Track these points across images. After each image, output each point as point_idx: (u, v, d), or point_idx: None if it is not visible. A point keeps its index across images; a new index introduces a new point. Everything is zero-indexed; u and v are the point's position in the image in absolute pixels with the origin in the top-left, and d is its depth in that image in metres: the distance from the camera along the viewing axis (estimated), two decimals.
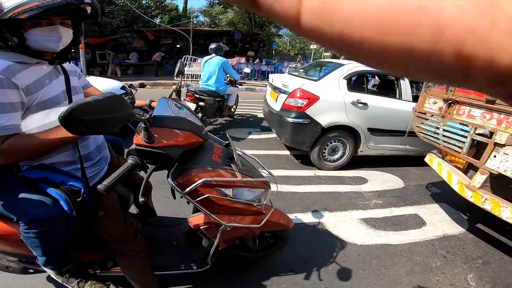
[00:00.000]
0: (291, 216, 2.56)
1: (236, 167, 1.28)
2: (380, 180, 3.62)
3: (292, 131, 3.35)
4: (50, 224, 1.07)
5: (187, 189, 1.14)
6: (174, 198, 1.37)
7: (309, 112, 3.28)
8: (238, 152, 1.47)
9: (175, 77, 2.78)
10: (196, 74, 10.56)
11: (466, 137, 2.24)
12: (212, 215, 1.26)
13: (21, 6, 0.92)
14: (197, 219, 1.35)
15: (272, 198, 1.63)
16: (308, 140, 3.40)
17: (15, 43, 0.98)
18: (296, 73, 4.41)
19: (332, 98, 3.37)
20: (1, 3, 0.94)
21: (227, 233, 1.43)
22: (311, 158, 3.63)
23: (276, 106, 3.69)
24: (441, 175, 2.64)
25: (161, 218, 1.95)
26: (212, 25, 23.25)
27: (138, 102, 1.56)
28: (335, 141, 3.57)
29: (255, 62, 13.33)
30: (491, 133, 2.07)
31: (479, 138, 2.16)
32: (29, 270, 1.42)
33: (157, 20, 20.81)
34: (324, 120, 3.34)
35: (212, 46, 4.56)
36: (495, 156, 2.02)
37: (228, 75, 4.95)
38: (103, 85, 3.66)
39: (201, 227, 1.36)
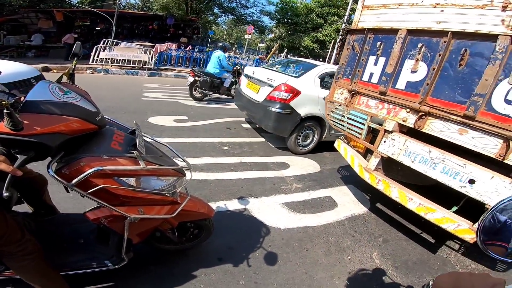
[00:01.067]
0: (217, 204, 2.57)
1: (138, 155, 1.20)
2: (300, 165, 3.90)
3: (276, 119, 3.90)
4: None
5: (74, 181, 1.02)
6: (67, 191, 1.22)
7: (292, 104, 3.89)
8: (145, 139, 1.38)
9: (69, 59, 2.46)
10: (117, 59, 9.52)
11: (364, 124, 2.56)
12: (113, 207, 1.17)
13: None
14: (96, 213, 1.24)
15: (197, 187, 1.60)
16: (289, 128, 4.00)
17: None
18: (274, 68, 4.95)
19: (310, 93, 4.05)
20: None
21: (137, 225, 1.35)
22: (288, 144, 4.22)
23: (258, 97, 4.21)
24: (346, 159, 2.97)
25: (64, 215, 1.75)
26: (144, 9, 21.28)
27: None
28: (307, 130, 4.25)
29: (187, 48, 12.74)
30: (383, 121, 2.41)
31: (373, 125, 2.49)
32: None
33: (74, 1, 18.01)
34: (303, 111, 3.99)
35: (219, 44, 7.43)
36: (385, 141, 2.38)
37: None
38: (11, 68, 3.13)
39: (103, 221, 1.26)
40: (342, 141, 3.14)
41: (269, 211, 2.67)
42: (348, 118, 2.74)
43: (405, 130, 2.33)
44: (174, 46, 12.46)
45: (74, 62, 1.43)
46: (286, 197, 2.98)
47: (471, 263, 2.50)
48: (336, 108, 2.91)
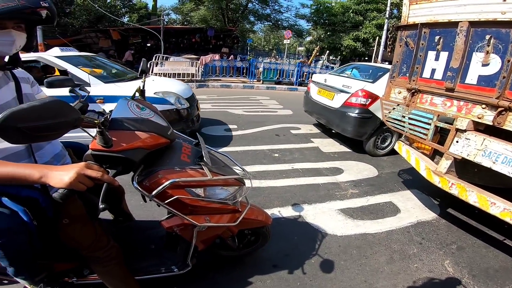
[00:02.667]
0: (271, 211, 2.57)
1: (206, 166, 1.25)
2: (355, 169, 3.72)
3: (355, 124, 4.01)
4: (10, 235, 1.02)
5: (154, 192, 1.10)
6: (145, 201, 1.33)
7: (371, 108, 3.95)
8: (208, 150, 1.44)
9: (139, 76, 2.79)
10: (168, 73, 10.24)
11: (429, 124, 2.33)
12: (185, 217, 1.22)
13: None
14: (170, 221, 1.31)
15: (251, 195, 1.63)
16: (369, 132, 4.07)
17: None
18: (345, 75, 5.06)
19: None
20: None
21: (203, 233, 1.41)
22: (366, 147, 4.25)
23: (334, 104, 4.37)
24: (409, 162, 2.74)
25: (138, 222, 1.89)
26: (185, 23, 22.77)
27: None
28: (386, 132, 4.27)
29: (230, 58, 13.19)
30: (453, 120, 2.18)
31: (441, 124, 2.26)
32: (4, 281, 1.35)
33: (125, 19, 20.03)
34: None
35: None
36: (457, 142, 2.13)
37: None
38: (166, 86, 3.84)
39: (175, 229, 1.33)
40: (404, 143, 2.91)
41: (325, 217, 2.58)
42: (409, 118, 2.53)
43: (481, 128, 2.06)
44: (217, 57, 13.03)
45: (143, 78, 1.55)
46: (341, 203, 2.86)
47: None
48: (394, 109, 2.72)
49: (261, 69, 11.83)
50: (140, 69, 1.56)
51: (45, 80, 3.10)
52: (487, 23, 1.93)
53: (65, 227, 1.15)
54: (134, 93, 1.44)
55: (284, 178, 3.30)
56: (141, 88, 1.49)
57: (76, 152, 1.45)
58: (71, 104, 0.84)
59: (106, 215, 1.75)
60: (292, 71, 11.93)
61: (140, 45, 17.94)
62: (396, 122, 2.72)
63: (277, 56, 20.31)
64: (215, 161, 1.42)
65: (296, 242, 2.22)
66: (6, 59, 1.11)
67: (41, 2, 0.95)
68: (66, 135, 0.83)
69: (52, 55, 3.62)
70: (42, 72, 3.96)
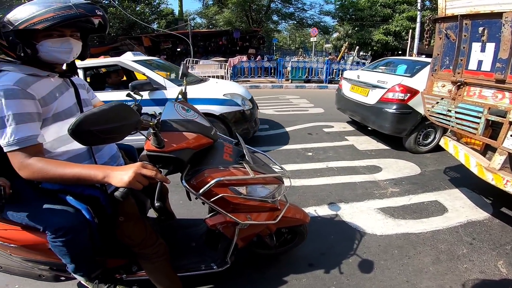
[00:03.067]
0: (306, 210, 2.54)
1: (247, 165, 1.28)
2: (394, 167, 3.55)
3: (393, 120, 3.84)
4: (75, 232, 1.11)
5: (201, 190, 1.15)
6: (190, 199, 1.38)
7: (411, 103, 3.75)
8: (248, 149, 1.47)
9: (180, 79, 2.96)
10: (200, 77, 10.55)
11: (479, 117, 2.17)
12: (228, 214, 1.26)
13: (37, 17, 0.94)
14: (214, 219, 1.35)
15: (287, 193, 1.63)
16: (409, 128, 3.86)
17: (28, 54, 1.00)
18: (379, 70, 4.89)
19: None
20: (11, 16, 0.96)
21: (244, 231, 1.43)
22: (407, 144, 4.03)
23: (369, 100, 4.21)
24: (458, 158, 2.56)
25: (179, 220, 1.96)
26: (210, 26, 23.32)
27: None
28: (428, 128, 4.02)
29: (257, 59, 13.27)
30: (505, 112, 2.00)
31: (493, 118, 2.08)
32: (61, 278, 1.46)
33: (155, 26, 21.00)
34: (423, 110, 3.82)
35: None
36: (511, 136, 1.95)
37: None
38: (231, 88, 4.02)
39: (218, 227, 1.36)
40: (451, 138, 2.72)
41: (363, 216, 2.51)
42: (456, 112, 2.36)
43: None
44: (244, 58, 13.18)
45: (184, 81, 1.63)
46: (381, 202, 2.75)
47: None
48: (437, 103, 2.56)
49: (289, 68, 11.74)
50: (180, 72, 1.63)
51: (130, 84, 3.40)
52: None
53: (120, 225, 1.24)
54: (178, 96, 1.51)
55: (318, 177, 3.25)
56: (183, 91, 1.56)
57: (126, 153, 1.56)
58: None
59: (150, 213, 1.86)
60: (321, 69, 11.68)
61: (170, 50, 18.69)
62: (441, 116, 2.56)
63: (304, 55, 20.01)
64: (255, 160, 1.44)
65: (332, 241, 2.19)
66: (64, 67, 1.21)
67: (96, 11, 1.02)
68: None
69: (129, 60, 3.80)
70: (119, 77, 4.16)
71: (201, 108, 3.50)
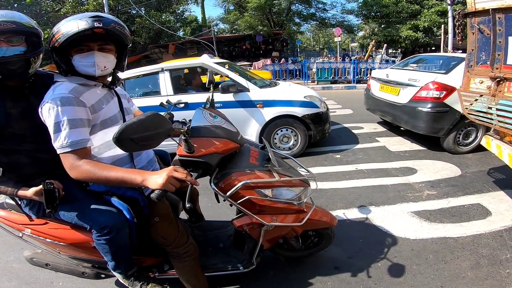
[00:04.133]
0: (334, 213, 2.50)
1: (273, 168, 1.31)
2: (431, 169, 3.38)
3: (429, 119, 3.68)
4: (117, 231, 1.21)
5: (228, 193, 1.20)
6: (218, 201, 1.44)
7: (448, 101, 3.58)
8: (274, 153, 1.49)
9: (207, 86, 3.06)
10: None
11: None
12: (254, 216, 1.30)
13: (55, 35, 1.08)
14: (240, 221, 1.39)
15: (313, 196, 1.62)
16: (446, 127, 3.68)
17: (63, 68, 1.14)
18: (410, 68, 4.79)
19: None
20: (51, 33, 1.09)
21: (270, 232, 1.45)
22: (445, 144, 3.83)
23: (401, 99, 4.06)
24: (501, 158, 2.38)
25: (208, 222, 2.03)
26: (233, 31, 23.71)
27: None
28: (469, 127, 3.79)
29: (281, 62, 13.27)
30: None
31: None
32: (101, 275, 1.59)
33: (181, 33, 21.84)
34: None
35: None
36: None
37: None
38: (305, 90, 4.13)
39: (245, 228, 1.41)
40: (493, 137, 2.53)
41: (395, 220, 2.41)
42: (497, 109, 2.20)
43: None
44: (268, 61, 13.24)
45: (211, 89, 1.70)
46: (415, 205, 2.63)
47: None
48: (476, 100, 2.39)
49: (314, 70, 11.59)
50: (208, 79, 1.71)
51: (220, 85, 3.52)
52: None
53: (155, 224, 1.33)
54: (206, 103, 1.58)
55: (347, 179, 3.19)
56: (211, 97, 1.63)
57: (161, 158, 1.66)
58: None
59: (182, 215, 1.95)
60: (348, 69, 11.39)
61: (196, 56, 19.30)
62: (481, 114, 2.39)
63: (329, 55, 19.59)
64: (281, 163, 1.46)
65: (361, 245, 2.13)
66: (110, 78, 1.32)
67: (95, 23, 1.07)
68: None
69: (212, 62, 3.94)
70: (199, 79, 4.27)
71: (283, 110, 3.66)
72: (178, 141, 1.12)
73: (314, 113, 3.74)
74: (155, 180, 0.99)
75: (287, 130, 3.78)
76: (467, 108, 2.54)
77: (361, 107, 5.58)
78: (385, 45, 16.91)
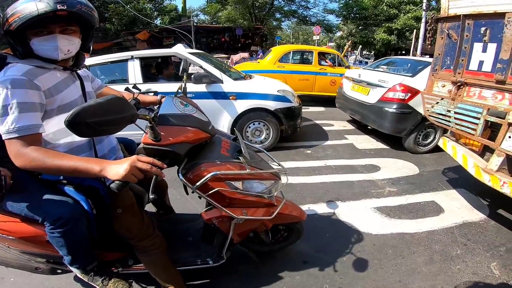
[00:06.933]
0: (303, 207, 2.55)
1: (244, 160, 1.29)
2: (393, 167, 3.57)
3: (393, 120, 3.86)
4: (73, 223, 1.12)
5: (197, 184, 1.16)
6: (187, 193, 1.40)
7: (411, 103, 3.76)
8: (246, 145, 1.48)
9: (180, 74, 2.95)
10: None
11: (479, 118, 2.17)
12: (224, 209, 1.27)
13: (11, 17, 0.97)
14: (209, 213, 1.37)
15: (283, 190, 1.64)
16: (408, 128, 3.87)
17: (20, 51, 1.02)
18: (380, 69, 4.92)
19: None
20: (7, 15, 0.97)
21: (240, 226, 1.44)
22: (406, 144, 4.04)
23: (370, 99, 4.22)
24: (456, 159, 2.57)
25: (178, 215, 1.98)
26: (213, 23, 23.27)
27: (149, 99, 1.58)
28: (428, 128, 4.04)
29: (259, 56, 13.22)
30: (505, 113, 2.00)
31: (492, 119, 2.09)
32: (57, 271, 1.48)
33: (158, 21, 21.01)
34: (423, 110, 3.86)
35: None
36: (510, 137, 1.96)
37: None
38: (279, 85, 4.09)
39: (214, 221, 1.38)
40: (449, 139, 2.73)
41: (359, 215, 2.52)
42: (455, 112, 2.37)
43: None
44: (246, 55, 13.13)
45: (185, 77, 1.63)
46: (378, 201, 2.76)
47: None
48: (437, 103, 2.56)
49: None
50: (181, 68, 1.64)
51: (193, 75, 3.40)
52: None
53: (118, 216, 1.25)
54: (177, 90, 1.52)
55: (316, 174, 3.27)
56: (184, 86, 1.57)
57: (126, 147, 1.57)
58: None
59: (149, 207, 1.88)
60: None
61: (173, 46, 18.68)
62: (440, 117, 2.57)
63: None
64: (252, 156, 1.45)
65: (328, 239, 2.20)
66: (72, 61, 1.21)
67: (58, 5, 0.97)
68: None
69: (186, 52, 3.82)
70: (171, 69, 4.10)
71: (256, 103, 3.63)
72: (144, 129, 1.05)
73: (287, 107, 3.77)
74: (116, 170, 0.93)
75: (259, 123, 3.78)
76: (428, 110, 2.71)
77: (333, 105, 5.74)
78: (360, 46, 17.58)
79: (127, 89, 1.55)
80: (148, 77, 3.77)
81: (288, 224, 1.80)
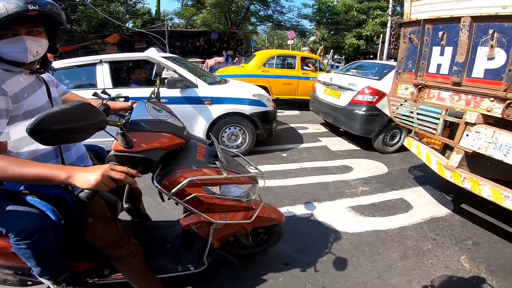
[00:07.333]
0: (281, 209, 2.59)
1: (221, 165, 1.29)
2: (364, 167, 3.72)
3: (362, 121, 4.02)
4: (39, 234, 1.06)
5: (173, 190, 1.14)
6: (163, 200, 1.37)
7: (379, 105, 3.93)
8: (222, 150, 1.48)
9: (153, 79, 2.89)
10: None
11: (438, 118, 2.34)
12: (202, 214, 1.26)
13: None
14: (187, 220, 1.34)
15: (262, 193, 1.65)
16: (377, 129, 4.05)
17: None
18: (350, 73, 5.12)
19: None
20: None
21: (219, 231, 1.44)
22: (375, 145, 4.24)
23: (341, 102, 4.39)
24: (420, 157, 2.73)
25: (155, 222, 1.93)
26: (188, 27, 22.99)
27: (119, 105, 1.53)
28: (395, 129, 4.24)
29: (235, 60, 13.28)
30: (462, 113, 2.18)
31: (450, 118, 2.26)
32: (27, 282, 1.40)
33: (130, 25, 20.43)
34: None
35: None
36: (467, 135, 2.13)
37: None
38: (255, 89, 4.10)
39: (193, 227, 1.36)
40: (413, 138, 2.90)
41: (335, 215, 2.59)
42: (417, 113, 2.54)
43: (491, 121, 2.06)
44: (222, 59, 13.11)
45: (157, 81, 1.60)
46: (352, 200, 2.87)
47: None
48: (401, 105, 2.73)
49: None
50: (154, 72, 1.61)
51: (166, 80, 3.30)
52: (489, 18, 1.94)
53: (89, 226, 1.20)
54: (150, 95, 1.49)
55: (293, 177, 3.33)
56: (156, 90, 1.54)
57: (95, 155, 1.50)
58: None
59: (124, 216, 1.81)
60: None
61: (145, 50, 18.19)
62: (405, 118, 2.73)
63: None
64: (229, 160, 1.45)
65: (307, 240, 2.24)
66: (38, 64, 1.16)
67: (29, 6, 0.94)
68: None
69: (158, 56, 3.70)
70: (144, 73, 4.03)
71: (231, 107, 3.61)
72: (115, 136, 1.01)
73: (262, 112, 3.81)
74: (86, 178, 0.89)
75: (235, 128, 3.78)
76: (393, 112, 2.87)
77: (307, 108, 5.89)
78: (332, 50, 18.22)
79: (95, 94, 1.49)
80: (118, 82, 3.64)
81: (267, 227, 1.81)
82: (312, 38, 25.25)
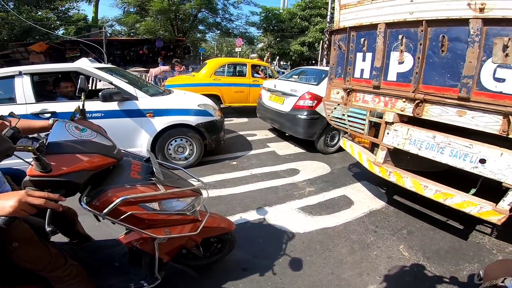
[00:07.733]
0: (234, 217, 2.61)
1: (158, 181, 1.27)
2: (309, 168, 3.93)
3: (305, 125, 4.27)
4: None
5: (105, 210, 1.10)
6: (98, 220, 1.31)
7: (318, 109, 4.19)
8: (161, 165, 1.45)
9: (76, 95, 2.61)
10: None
11: (364, 119, 2.60)
12: (142, 231, 1.24)
13: None
14: (128, 237, 1.31)
15: (213, 204, 1.65)
16: (318, 132, 4.33)
17: None
18: (292, 79, 5.34)
19: None
20: None
21: (165, 245, 1.42)
22: (318, 146, 4.52)
23: (285, 108, 4.59)
24: (354, 156, 3.00)
25: (98, 242, 1.84)
26: (131, 34, 21.77)
27: (38, 124, 1.38)
28: (334, 131, 4.50)
29: (181, 69, 12.93)
30: (382, 114, 2.44)
31: (374, 119, 2.53)
32: None
33: (61, 32, 18.64)
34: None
35: None
36: (388, 133, 2.42)
37: None
38: (201, 99, 4.01)
39: (135, 244, 1.33)
40: (347, 139, 3.18)
41: (286, 217, 2.69)
42: (348, 116, 2.79)
43: (406, 119, 2.37)
44: (167, 68, 12.66)
45: (82, 97, 1.50)
46: (300, 202, 3.00)
47: (508, 245, 2.41)
48: (335, 108, 2.97)
49: None
50: (78, 87, 1.48)
51: (100, 93, 3.01)
52: (399, 24, 2.18)
53: (15, 250, 1.12)
54: (73, 113, 1.39)
55: (243, 184, 3.37)
56: (81, 107, 1.44)
57: (14, 178, 1.36)
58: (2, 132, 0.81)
59: (60, 238, 1.66)
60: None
61: (78, 59, 16.68)
62: (338, 120, 2.97)
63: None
64: (167, 175, 1.43)
65: (262, 244, 2.28)
66: None
67: None
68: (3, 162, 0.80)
69: (92, 67, 3.33)
70: (74, 86, 3.53)
71: (176, 119, 3.48)
72: (30, 161, 0.94)
73: (209, 122, 3.77)
74: (1, 205, 0.84)
75: (181, 139, 3.69)
76: (329, 115, 3.11)
77: (256, 115, 6.02)
78: (278, 57, 18.94)
79: (1, 117, 1.32)
80: (43, 95, 3.24)
81: (219, 236, 1.82)
82: (260, 45, 25.98)
